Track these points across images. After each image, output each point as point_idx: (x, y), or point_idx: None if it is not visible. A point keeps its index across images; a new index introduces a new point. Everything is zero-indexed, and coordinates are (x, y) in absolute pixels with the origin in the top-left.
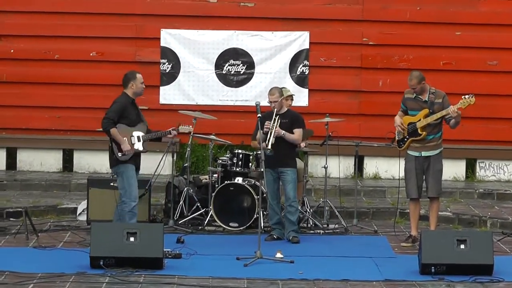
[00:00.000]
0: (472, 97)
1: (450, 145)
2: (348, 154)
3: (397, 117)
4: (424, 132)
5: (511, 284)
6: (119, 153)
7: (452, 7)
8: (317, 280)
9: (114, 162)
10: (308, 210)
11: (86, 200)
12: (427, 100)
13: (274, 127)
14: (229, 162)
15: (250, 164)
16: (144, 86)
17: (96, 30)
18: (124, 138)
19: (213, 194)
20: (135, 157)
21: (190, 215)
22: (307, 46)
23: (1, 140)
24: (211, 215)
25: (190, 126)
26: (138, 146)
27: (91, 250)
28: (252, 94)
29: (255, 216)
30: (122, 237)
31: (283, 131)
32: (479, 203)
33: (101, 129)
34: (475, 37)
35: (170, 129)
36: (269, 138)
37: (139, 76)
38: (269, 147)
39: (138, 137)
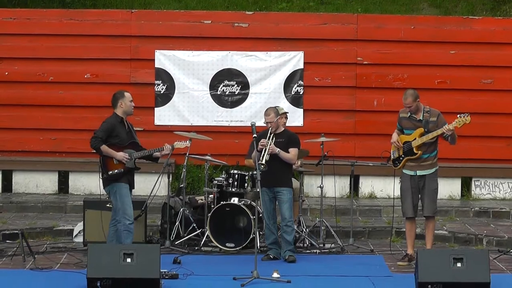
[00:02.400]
0: (467, 116)
1: (445, 163)
2: (343, 174)
3: (394, 133)
4: (419, 151)
5: None
6: (109, 172)
7: (446, 26)
8: None
9: (107, 181)
10: (304, 229)
11: (82, 222)
12: (421, 119)
13: (269, 144)
14: (224, 182)
15: (246, 185)
16: (134, 105)
17: (91, 52)
18: (118, 152)
19: (209, 214)
20: (128, 175)
21: (186, 235)
22: (301, 66)
23: None
24: (207, 235)
25: (187, 141)
26: (129, 164)
27: (88, 271)
28: (247, 114)
29: (251, 236)
30: (119, 258)
31: (278, 149)
32: (475, 222)
33: (94, 151)
34: (470, 56)
35: (164, 145)
36: (264, 155)
37: (127, 94)
38: (263, 162)
39: (130, 155)
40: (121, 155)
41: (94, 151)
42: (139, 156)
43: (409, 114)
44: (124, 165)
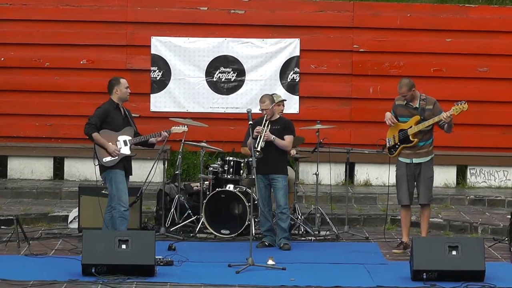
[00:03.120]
0: (465, 103)
1: (441, 151)
2: (339, 161)
3: (387, 112)
4: (415, 139)
5: None
6: (103, 159)
7: (442, 14)
8: (309, 287)
9: (103, 168)
10: (299, 217)
11: (77, 208)
12: (417, 106)
13: (264, 131)
14: (220, 169)
15: (241, 171)
16: (129, 91)
17: (87, 38)
18: (109, 143)
19: (205, 201)
20: (124, 162)
21: (182, 222)
22: (297, 53)
23: None
24: (202, 222)
25: (185, 126)
26: (125, 150)
27: (83, 258)
28: (242, 101)
29: (247, 223)
30: (114, 244)
31: (273, 136)
32: (470, 210)
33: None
34: (466, 44)
35: (161, 132)
36: (259, 142)
37: (123, 81)
38: (258, 149)
39: (125, 141)
40: (112, 147)
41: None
42: (135, 143)
43: (405, 101)
44: (120, 152)
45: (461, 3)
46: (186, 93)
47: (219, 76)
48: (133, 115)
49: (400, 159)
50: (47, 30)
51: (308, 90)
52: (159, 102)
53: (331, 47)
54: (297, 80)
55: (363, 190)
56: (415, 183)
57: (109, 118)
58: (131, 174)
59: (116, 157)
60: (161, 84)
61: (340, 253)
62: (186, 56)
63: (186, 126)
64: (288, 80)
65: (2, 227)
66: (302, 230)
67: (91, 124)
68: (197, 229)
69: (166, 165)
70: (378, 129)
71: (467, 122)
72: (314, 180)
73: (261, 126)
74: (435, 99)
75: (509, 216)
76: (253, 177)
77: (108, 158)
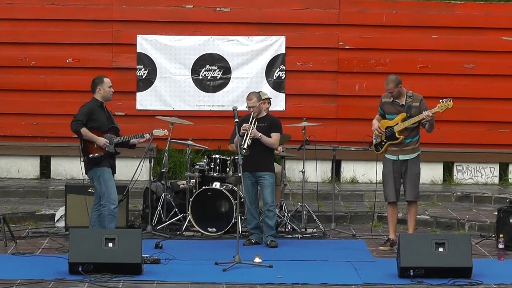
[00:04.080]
0: (450, 100)
1: (427, 148)
2: (325, 158)
3: (374, 120)
4: (401, 136)
5: (490, 287)
6: (89, 155)
7: (428, 11)
8: (296, 284)
9: (90, 166)
10: (286, 214)
11: (64, 207)
12: (404, 104)
13: (251, 128)
14: (206, 167)
15: (228, 169)
16: (113, 90)
17: (72, 37)
18: (98, 137)
19: (191, 199)
20: (109, 160)
21: (168, 220)
22: (283, 50)
23: None
24: (189, 220)
25: (165, 129)
26: (110, 148)
27: (69, 256)
28: (228, 99)
29: (233, 221)
30: (101, 243)
31: (260, 133)
32: (457, 206)
33: (76, 136)
34: (452, 41)
35: (143, 133)
36: (246, 139)
37: (106, 80)
38: (245, 146)
39: (110, 140)
40: (101, 140)
41: (75, 135)
42: (119, 142)
43: (392, 99)
44: (105, 149)
45: None
46: (172, 91)
47: (205, 74)
48: (119, 113)
49: (387, 156)
50: (33, 29)
51: (294, 87)
52: (145, 101)
53: (317, 44)
54: (283, 78)
55: (349, 187)
56: (402, 180)
57: (94, 117)
58: (115, 173)
59: (102, 153)
60: (147, 83)
61: (327, 251)
62: (172, 54)
63: (166, 129)
64: (274, 78)
65: None
66: (289, 228)
67: (78, 121)
68: (184, 227)
69: (152, 163)
70: (364, 126)
71: (454, 119)
72: (301, 177)
73: (248, 123)
74: (422, 96)
75: (496, 213)
76: (240, 174)
77: (96, 154)
